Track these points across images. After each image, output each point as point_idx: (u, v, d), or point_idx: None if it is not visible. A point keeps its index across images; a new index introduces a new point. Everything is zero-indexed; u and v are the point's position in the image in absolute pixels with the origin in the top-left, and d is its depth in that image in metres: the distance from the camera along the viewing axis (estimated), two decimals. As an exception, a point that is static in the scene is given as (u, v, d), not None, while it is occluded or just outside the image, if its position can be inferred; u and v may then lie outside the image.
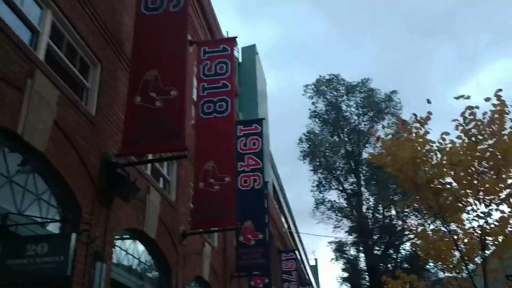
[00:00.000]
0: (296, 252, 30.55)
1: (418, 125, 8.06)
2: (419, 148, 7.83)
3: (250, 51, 29.53)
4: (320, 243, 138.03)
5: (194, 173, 9.97)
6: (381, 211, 41.95)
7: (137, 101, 6.85)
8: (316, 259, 61.68)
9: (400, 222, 40.75)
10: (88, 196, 6.00)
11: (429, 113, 7.90)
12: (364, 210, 42.89)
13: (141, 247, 7.94)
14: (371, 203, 43.76)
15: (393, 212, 40.99)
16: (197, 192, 9.75)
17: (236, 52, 30.73)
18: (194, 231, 9.60)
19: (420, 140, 7.93)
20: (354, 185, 44.21)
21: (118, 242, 6.99)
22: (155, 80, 7.02)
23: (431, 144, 7.89)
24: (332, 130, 46.47)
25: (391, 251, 41.72)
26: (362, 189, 44.62)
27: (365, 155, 45.47)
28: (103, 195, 6.29)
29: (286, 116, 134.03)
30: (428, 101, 7.74)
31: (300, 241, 44.22)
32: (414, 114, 8.04)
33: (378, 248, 42.00)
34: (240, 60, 29.69)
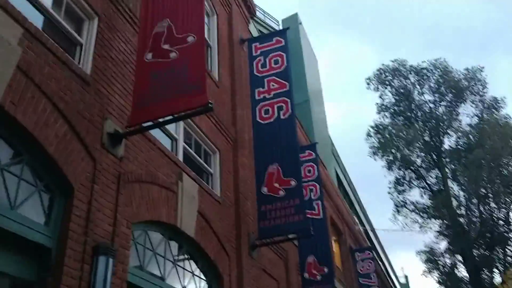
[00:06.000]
0: (379, 259, 25.02)
1: None
2: None
3: (292, 21, 25.37)
4: (410, 258, 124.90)
5: (138, 41, 5.79)
6: (476, 205, 34.73)
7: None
8: (406, 276, 54.22)
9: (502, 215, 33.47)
10: None
11: None
12: (454, 207, 35.88)
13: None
14: (462, 198, 36.73)
15: (492, 204, 33.69)
16: (141, 66, 5.52)
17: (275, 25, 26.75)
18: (132, 129, 5.27)
19: None
20: (439, 179, 37.46)
21: None
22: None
23: None
24: (404, 121, 40.23)
25: (496, 253, 34.18)
26: (449, 183, 37.79)
27: (447, 144, 38.81)
28: None
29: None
30: None
31: (384, 251, 38.12)
32: None
33: (478, 251, 34.69)
34: (281, 33, 25.50)
